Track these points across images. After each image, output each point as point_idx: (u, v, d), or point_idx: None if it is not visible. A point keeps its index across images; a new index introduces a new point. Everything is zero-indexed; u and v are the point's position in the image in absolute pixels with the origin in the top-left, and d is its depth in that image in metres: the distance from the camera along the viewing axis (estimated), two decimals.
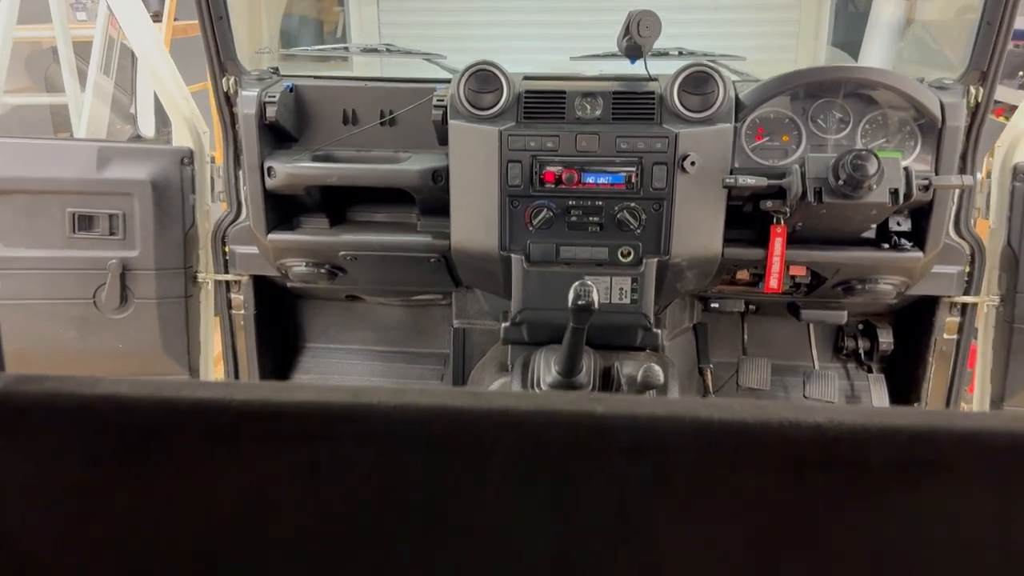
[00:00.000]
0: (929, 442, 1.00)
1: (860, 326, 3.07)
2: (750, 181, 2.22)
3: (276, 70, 2.71)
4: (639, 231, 2.32)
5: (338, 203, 2.71)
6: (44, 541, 1.13)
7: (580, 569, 1.06)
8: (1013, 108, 3.17)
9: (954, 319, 2.78)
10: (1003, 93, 4.51)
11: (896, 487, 1.00)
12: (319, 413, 1.06)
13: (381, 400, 1.08)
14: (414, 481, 1.06)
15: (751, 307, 2.98)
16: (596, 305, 2.04)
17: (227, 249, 2.86)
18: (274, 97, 2.49)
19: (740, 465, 1.02)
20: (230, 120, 2.68)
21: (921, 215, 2.43)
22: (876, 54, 3.82)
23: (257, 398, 1.08)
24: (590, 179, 2.29)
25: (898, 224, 2.45)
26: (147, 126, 2.87)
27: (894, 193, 2.14)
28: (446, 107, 2.37)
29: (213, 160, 2.84)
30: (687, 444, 1.02)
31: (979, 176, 2.59)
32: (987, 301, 2.72)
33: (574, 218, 2.34)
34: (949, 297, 2.72)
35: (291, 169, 2.46)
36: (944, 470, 0.99)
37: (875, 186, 2.11)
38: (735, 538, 1.04)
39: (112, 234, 2.71)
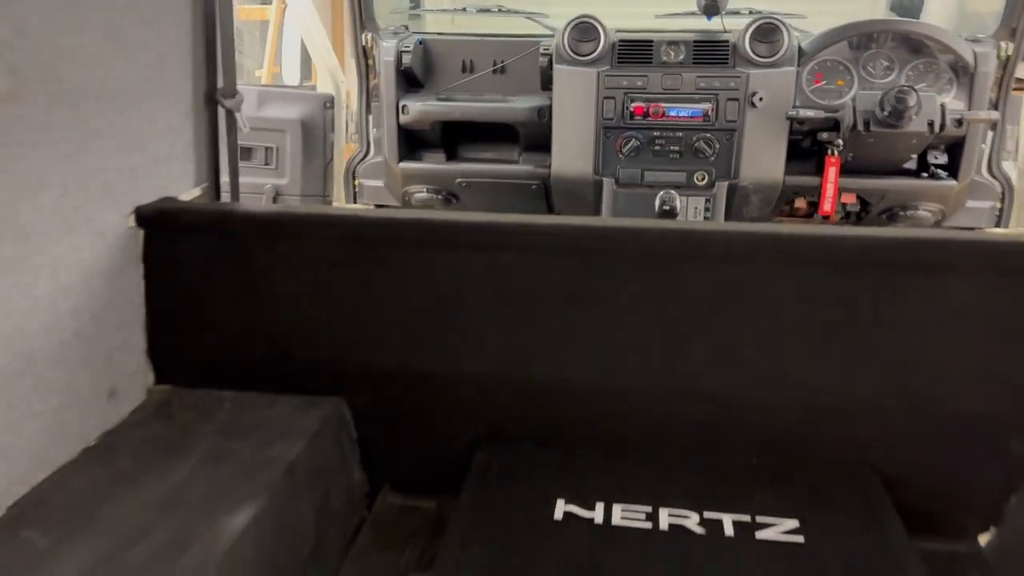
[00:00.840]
0: (941, 248, 1.35)
1: None
2: (809, 114, 2.55)
3: (406, 27, 3.10)
4: (713, 158, 2.67)
5: (453, 140, 3.09)
6: (295, 320, 1.53)
7: (679, 340, 1.42)
8: None
9: None
10: None
11: (916, 280, 1.35)
12: (496, 230, 1.44)
13: (541, 221, 1.45)
14: (564, 279, 1.43)
15: None
16: (678, 210, 2.40)
17: (356, 182, 3.26)
18: (408, 48, 2.89)
19: (800, 266, 1.38)
20: (365, 70, 3.08)
21: (955, 150, 2.73)
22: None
23: (451, 219, 1.46)
24: (673, 112, 2.65)
25: (935, 158, 2.75)
26: (292, 76, 3.29)
27: (931, 124, 2.46)
28: (551, 55, 2.75)
29: (347, 106, 3.25)
30: (762, 251, 1.38)
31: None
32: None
33: (658, 147, 2.69)
34: (982, 229, 3.01)
35: (422, 107, 2.86)
36: (951, 267, 1.34)
37: (915, 117, 2.43)
38: (796, 319, 1.39)
39: (267, 164, 3.13)
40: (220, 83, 1.66)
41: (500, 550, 1.25)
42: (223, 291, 1.54)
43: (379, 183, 3.20)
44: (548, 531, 1.29)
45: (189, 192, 1.60)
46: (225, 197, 1.76)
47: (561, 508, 1.34)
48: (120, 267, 1.42)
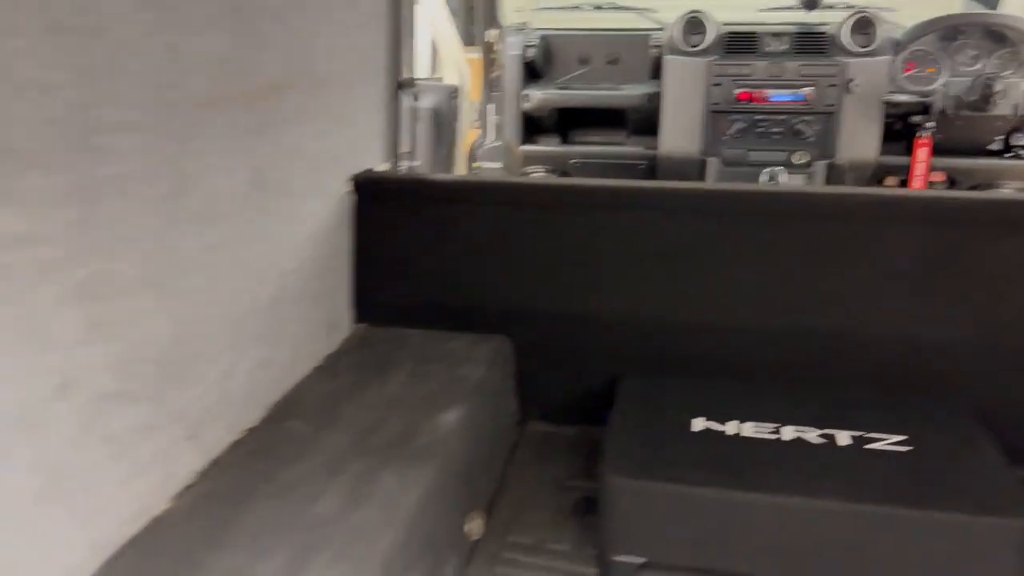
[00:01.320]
0: (1021, 208, 1.54)
1: None
2: (903, 98, 2.74)
3: (525, 24, 3.36)
4: (812, 139, 2.87)
5: (566, 126, 3.34)
6: (469, 270, 1.79)
7: (791, 286, 1.65)
8: None
9: None
10: None
11: (1002, 235, 1.54)
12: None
13: (673, 186, 1.69)
14: (695, 235, 1.66)
15: None
16: None
17: (476, 165, 3.54)
18: (532, 43, 3.15)
19: (900, 224, 1.58)
20: (489, 63, 3.35)
21: None
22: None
23: (598, 185, 1.72)
24: (775, 98, 2.86)
25: (1018, 139, 2.90)
26: (421, 68, 3.58)
27: (1015, 108, 2.63)
28: (661, 47, 2.98)
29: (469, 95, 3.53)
30: (867, 209, 1.60)
31: None
32: None
33: (761, 129, 2.90)
34: None
35: (544, 95, 3.12)
36: None
37: (1000, 101, 2.60)
38: (895, 268, 1.60)
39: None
40: (403, 75, 1.95)
41: (651, 451, 1.49)
42: (412, 246, 1.82)
43: (495, 165, 3.47)
44: (690, 439, 1.53)
45: (381, 165, 1.89)
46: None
47: (699, 423, 1.58)
48: (339, 223, 1.71)
